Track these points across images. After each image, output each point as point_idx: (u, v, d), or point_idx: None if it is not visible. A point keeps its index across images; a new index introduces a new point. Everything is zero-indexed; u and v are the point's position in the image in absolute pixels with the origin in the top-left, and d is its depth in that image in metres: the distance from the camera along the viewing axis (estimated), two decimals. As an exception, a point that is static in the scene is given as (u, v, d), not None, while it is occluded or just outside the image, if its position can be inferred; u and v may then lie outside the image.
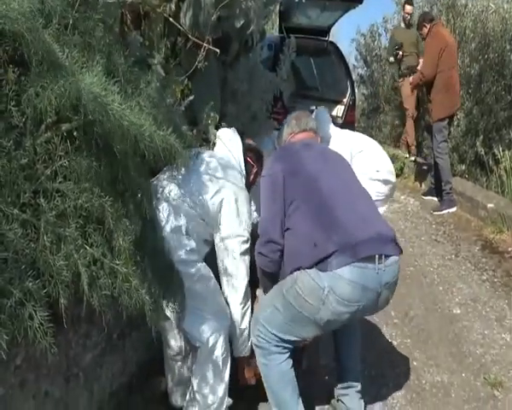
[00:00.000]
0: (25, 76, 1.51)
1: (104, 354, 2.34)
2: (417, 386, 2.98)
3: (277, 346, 2.43)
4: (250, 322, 2.58)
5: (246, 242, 2.53)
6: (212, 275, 2.47)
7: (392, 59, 7.63)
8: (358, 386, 2.73)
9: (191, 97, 2.79)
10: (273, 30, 10.35)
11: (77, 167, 1.52)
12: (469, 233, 5.39)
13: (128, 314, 1.70)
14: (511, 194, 6.21)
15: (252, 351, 2.57)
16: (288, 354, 2.47)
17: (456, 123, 7.15)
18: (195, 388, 2.47)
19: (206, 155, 2.55)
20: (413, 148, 7.88)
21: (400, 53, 7.42)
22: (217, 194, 2.45)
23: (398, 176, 6.77)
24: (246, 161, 2.65)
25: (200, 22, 2.82)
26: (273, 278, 2.54)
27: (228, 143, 2.65)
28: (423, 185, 7.14)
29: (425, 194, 6.82)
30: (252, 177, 2.73)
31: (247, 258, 2.56)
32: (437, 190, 6.54)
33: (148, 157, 1.66)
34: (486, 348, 3.26)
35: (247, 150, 2.67)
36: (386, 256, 2.31)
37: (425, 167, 7.23)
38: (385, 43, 10.05)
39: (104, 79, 1.59)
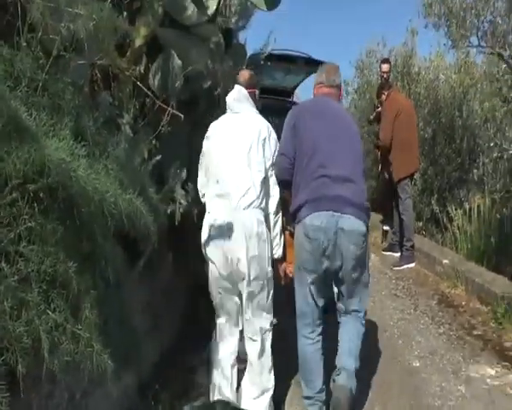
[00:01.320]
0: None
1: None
2: (380, 441, 3.18)
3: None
4: (280, 231, 3.16)
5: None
6: None
7: (371, 117, 7.51)
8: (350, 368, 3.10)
9: (158, 157, 2.78)
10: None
11: (41, 231, 1.48)
12: (427, 288, 5.45)
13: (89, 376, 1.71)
14: (464, 250, 6.38)
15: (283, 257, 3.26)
16: None
17: (413, 182, 7.35)
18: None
19: None
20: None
21: (379, 110, 7.26)
22: None
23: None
24: None
25: (168, 84, 2.84)
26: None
27: None
28: (384, 242, 7.15)
29: (385, 250, 6.87)
30: None
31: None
32: (398, 245, 6.55)
33: (111, 221, 1.66)
34: (444, 401, 3.28)
35: None
36: (344, 213, 2.89)
37: (386, 227, 7.14)
38: (346, 106, 10.41)
39: (72, 142, 1.57)
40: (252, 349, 3.12)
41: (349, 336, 3.12)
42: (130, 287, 2.49)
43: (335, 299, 3.22)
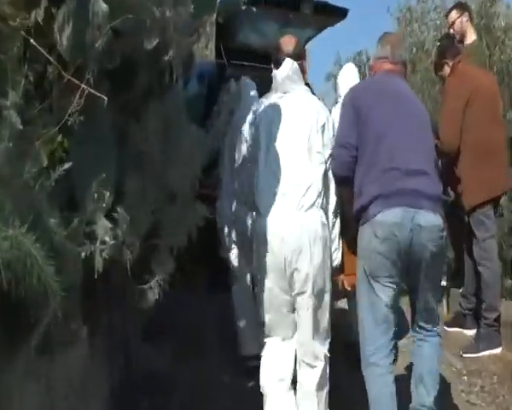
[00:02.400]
0: None
1: None
2: None
3: None
4: (339, 233, 3.49)
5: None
6: None
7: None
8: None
9: (68, 165, 2.23)
10: (207, 51, 9.70)
11: None
12: (523, 390, 4.27)
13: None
14: None
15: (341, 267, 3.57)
16: None
17: (497, 212, 5.37)
18: None
19: None
20: None
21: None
22: None
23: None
24: None
25: (84, 43, 2.31)
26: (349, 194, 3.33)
27: None
28: (447, 310, 5.69)
29: (450, 324, 5.30)
30: None
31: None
32: (473, 317, 5.15)
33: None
34: None
35: None
36: (420, 208, 3.12)
37: (452, 287, 5.64)
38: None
39: None
40: (309, 377, 3.32)
41: (428, 366, 3.28)
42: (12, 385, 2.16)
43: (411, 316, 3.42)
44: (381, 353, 3.19)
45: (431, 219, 3.17)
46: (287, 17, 5.36)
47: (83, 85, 2.20)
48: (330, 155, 3.40)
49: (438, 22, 7.68)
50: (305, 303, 3.26)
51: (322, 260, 3.27)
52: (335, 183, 3.44)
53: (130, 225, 2.53)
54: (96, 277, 2.41)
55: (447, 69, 5.00)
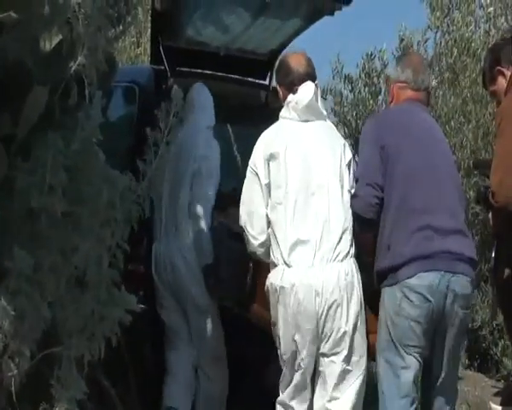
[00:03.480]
0: None
1: None
2: None
3: None
4: None
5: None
6: None
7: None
8: None
9: None
10: (138, 51, 9.30)
11: None
12: None
13: None
14: None
15: None
16: None
17: None
18: None
19: None
20: None
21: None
22: None
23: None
24: None
25: None
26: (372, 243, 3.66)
27: None
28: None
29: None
30: None
31: None
32: None
33: None
34: None
35: None
36: (456, 273, 3.43)
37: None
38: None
39: None
40: None
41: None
42: None
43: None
44: None
45: (466, 286, 3.48)
46: (262, 2, 4.57)
47: None
48: (353, 196, 3.65)
49: (491, 10, 6.62)
50: (336, 367, 3.59)
51: (359, 317, 3.58)
52: (357, 225, 3.68)
53: (16, 323, 2.25)
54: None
55: (502, 82, 4.12)
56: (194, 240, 4.27)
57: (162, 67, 5.06)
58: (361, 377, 3.64)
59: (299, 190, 3.60)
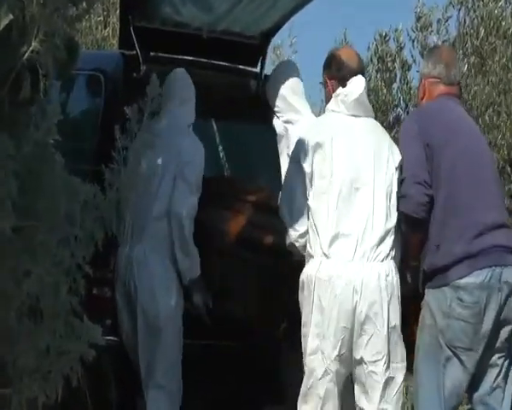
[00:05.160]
0: None
1: None
2: None
3: None
4: None
5: None
6: None
7: None
8: None
9: None
10: (105, 33, 9.10)
11: None
12: None
13: None
14: None
15: None
16: None
17: None
18: None
19: None
20: None
21: None
22: None
23: None
24: None
25: None
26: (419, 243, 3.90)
27: None
28: None
29: None
30: None
31: None
32: None
33: None
34: None
35: None
36: (507, 265, 3.72)
37: None
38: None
39: None
40: None
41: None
42: None
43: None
44: None
45: None
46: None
47: None
48: (402, 196, 3.87)
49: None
50: (379, 378, 3.71)
51: (398, 320, 3.74)
52: (407, 227, 3.90)
53: None
54: None
55: None
56: (170, 245, 4.42)
57: (133, 52, 4.92)
58: (403, 382, 3.86)
59: (343, 183, 3.83)
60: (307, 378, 3.81)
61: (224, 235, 4.63)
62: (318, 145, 3.90)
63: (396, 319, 3.75)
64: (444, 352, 3.70)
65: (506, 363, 3.81)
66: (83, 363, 2.38)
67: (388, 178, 3.90)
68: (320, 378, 3.77)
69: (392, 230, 3.84)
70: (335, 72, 4.09)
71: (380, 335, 3.71)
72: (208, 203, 4.39)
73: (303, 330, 3.88)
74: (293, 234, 3.98)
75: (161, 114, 4.34)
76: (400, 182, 3.94)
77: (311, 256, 3.86)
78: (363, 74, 4.10)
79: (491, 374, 3.79)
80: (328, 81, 4.15)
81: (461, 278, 3.64)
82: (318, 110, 6.70)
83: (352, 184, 3.85)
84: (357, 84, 3.99)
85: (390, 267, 3.79)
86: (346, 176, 3.86)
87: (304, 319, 3.84)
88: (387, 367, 3.74)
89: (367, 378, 3.75)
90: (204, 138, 4.94)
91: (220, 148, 5.50)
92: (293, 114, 4.94)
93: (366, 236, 3.79)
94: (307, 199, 3.95)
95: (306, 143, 3.97)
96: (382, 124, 7.51)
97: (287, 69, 5.29)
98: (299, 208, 3.99)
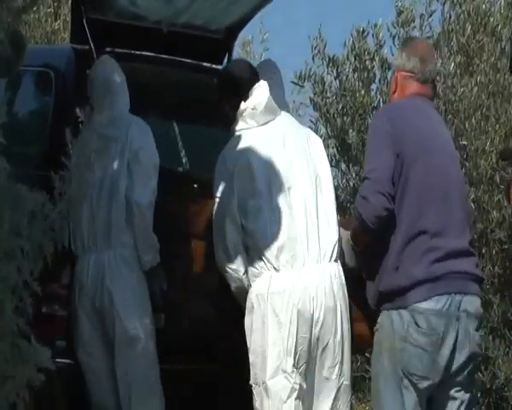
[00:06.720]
0: None
1: None
2: None
3: None
4: None
5: None
6: None
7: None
8: None
9: None
10: (56, 26, 9.14)
11: None
12: None
13: None
14: None
15: None
16: None
17: None
18: None
19: None
20: None
21: None
22: None
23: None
24: None
25: None
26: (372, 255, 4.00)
27: None
28: None
29: None
30: None
31: None
32: None
33: None
34: None
35: None
36: (467, 293, 3.89)
37: None
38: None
39: None
40: None
41: None
42: None
43: None
44: None
45: (477, 306, 3.93)
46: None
47: None
48: (362, 197, 3.92)
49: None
50: (332, 385, 3.99)
51: (348, 328, 4.01)
52: (358, 224, 4.01)
53: None
54: None
55: None
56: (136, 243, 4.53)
57: (86, 47, 4.96)
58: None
59: (275, 189, 4.03)
60: (271, 405, 3.98)
61: (187, 221, 4.82)
62: (239, 168, 4.11)
63: (348, 323, 3.99)
64: (401, 380, 3.86)
65: (466, 398, 3.97)
66: (30, 389, 2.34)
67: (312, 169, 4.13)
68: (286, 400, 3.92)
69: (334, 226, 4.13)
70: (232, 91, 4.33)
71: (335, 341, 3.93)
72: (172, 194, 4.55)
73: (252, 359, 4.07)
74: (237, 276, 4.18)
75: (99, 107, 4.36)
76: (363, 179, 4.04)
77: (258, 276, 4.04)
78: (258, 77, 4.29)
79: (451, 408, 3.96)
80: (225, 102, 4.39)
81: (419, 301, 3.79)
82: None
83: (285, 185, 4.05)
84: (261, 93, 4.17)
85: (338, 267, 4.04)
86: (275, 182, 4.08)
87: (253, 346, 4.02)
88: (341, 374, 3.98)
89: (323, 386, 4.01)
90: (164, 141, 5.12)
91: (182, 153, 5.62)
92: None
93: (310, 236, 3.99)
94: (239, 235, 4.14)
95: (225, 173, 4.17)
96: (360, 128, 7.49)
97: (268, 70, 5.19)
98: (236, 248, 4.20)
